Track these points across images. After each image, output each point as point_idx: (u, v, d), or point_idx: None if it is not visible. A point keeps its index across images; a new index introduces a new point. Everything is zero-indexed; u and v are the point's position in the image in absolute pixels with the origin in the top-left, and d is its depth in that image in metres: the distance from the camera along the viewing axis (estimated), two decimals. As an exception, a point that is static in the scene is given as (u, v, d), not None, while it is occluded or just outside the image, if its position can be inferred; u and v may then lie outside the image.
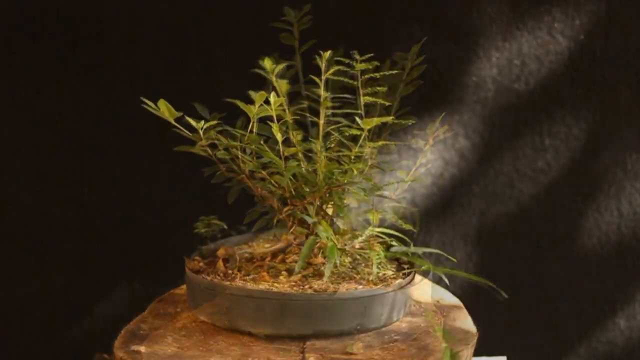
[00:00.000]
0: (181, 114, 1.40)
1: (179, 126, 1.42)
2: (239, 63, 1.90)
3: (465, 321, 1.43)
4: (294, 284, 1.38)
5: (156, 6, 1.87)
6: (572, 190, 1.94)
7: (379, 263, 1.42)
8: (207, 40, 1.89)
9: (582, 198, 1.94)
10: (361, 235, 1.45)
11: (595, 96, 1.91)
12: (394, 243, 1.45)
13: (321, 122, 1.42)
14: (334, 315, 1.32)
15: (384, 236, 1.44)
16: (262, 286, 1.37)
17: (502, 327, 1.98)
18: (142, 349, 1.38)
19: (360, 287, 1.36)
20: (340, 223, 1.49)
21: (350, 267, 1.41)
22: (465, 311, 1.49)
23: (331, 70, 1.41)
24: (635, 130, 1.92)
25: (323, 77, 1.41)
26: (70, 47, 1.88)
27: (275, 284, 1.38)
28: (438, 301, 1.51)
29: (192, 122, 1.39)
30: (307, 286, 1.36)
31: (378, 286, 1.36)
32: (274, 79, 1.41)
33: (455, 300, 1.52)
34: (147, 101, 1.40)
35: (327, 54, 1.41)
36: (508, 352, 1.98)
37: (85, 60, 1.89)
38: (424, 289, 1.52)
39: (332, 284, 1.37)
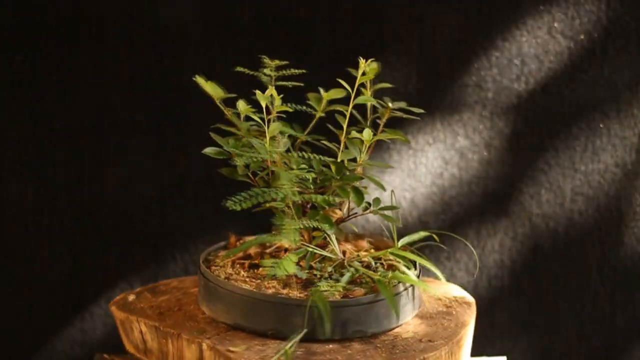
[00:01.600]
0: (234, 95, 1.42)
1: (223, 106, 1.43)
2: (238, 63, 1.90)
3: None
4: (254, 278, 1.42)
5: (156, 6, 1.87)
6: (573, 190, 1.94)
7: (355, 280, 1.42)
8: (207, 40, 1.89)
9: (582, 198, 1.94)
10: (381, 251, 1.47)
11: (595, 96, 1.91)
12: (402, 265, 1.44)
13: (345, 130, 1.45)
14: (250, 313, 1.37)
15: (399, 259, 1.43)
16: (227, 271, 1.44)
17: (502, 327, 1.98)
18: (131, 297, 1.49)
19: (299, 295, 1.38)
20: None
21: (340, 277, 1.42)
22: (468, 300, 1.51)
23: (363, 78, 1.42)
24: (635, 131, 1.92)
25: (356, 84, 1.43)
26: (70, 47, 1.88)
27: (241, 273, 1.43)
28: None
29: (242, 104, 1.42)
30: (258, 281, 1.41)
31: (300, 296, 1.37)
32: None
33: (462, 294, 1.53)
34: (199, 78, 1.41)
35: (368, 63, 1.43)
36: (508, 352, 1.98)
37: (85, 60, 1.89)
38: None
39: (295, 289, 1.39)
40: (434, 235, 1.52)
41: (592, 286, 1.97)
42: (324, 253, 1.42)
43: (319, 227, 1.38)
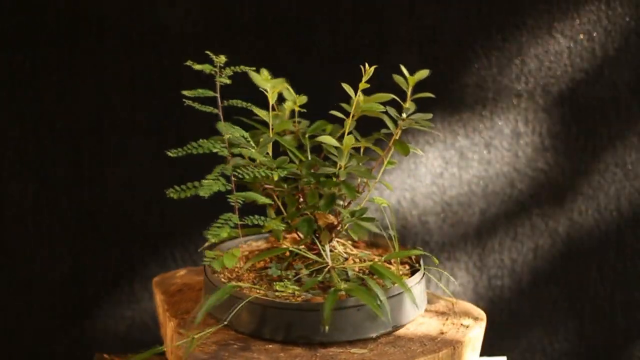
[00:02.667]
0: (286, 85, 1.40)
1: (275, 102, 1.40)
2: (239, 63, 1.90)
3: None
4: (238, 273, 1.48)
5: (156, 6, 1.87)
6: (572, 190, 1.94)
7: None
8: (207, 40, 1.89)
9: (582, 198, 1.94)
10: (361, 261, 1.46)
11: (595, 96, 1.91)
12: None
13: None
14: (217, 301, 1.42)
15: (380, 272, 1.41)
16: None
17: (502, 327, 1.98)
18: (180, 273, 1.60)
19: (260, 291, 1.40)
20: (354, 235, 1.48)
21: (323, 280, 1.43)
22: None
23: (364, 85, 1.41)
24: (635, 130, 1.92)
25: (359, 89, 1.43)
26: (70, 47, 1.88)
27: (240, 264, 1.50)
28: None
29: (290, 101, 1.40)
30: (243, 273, 1.46)
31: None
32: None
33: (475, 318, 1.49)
34: (247, 69, 1.39)
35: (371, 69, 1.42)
36: (508, 352, 1.98)
37: (85, 60, 1.89)
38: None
39: (263, 286, 1.42)
40: (435, 259, 1.50)
41: (592, 286, 1.97)
42: (310, 256, 1.43)
43: (275, 227, 1.38)
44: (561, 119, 1.92)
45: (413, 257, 1.50)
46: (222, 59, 1.42)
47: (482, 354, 1.96)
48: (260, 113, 1.46)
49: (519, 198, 1.95)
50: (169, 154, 1.37)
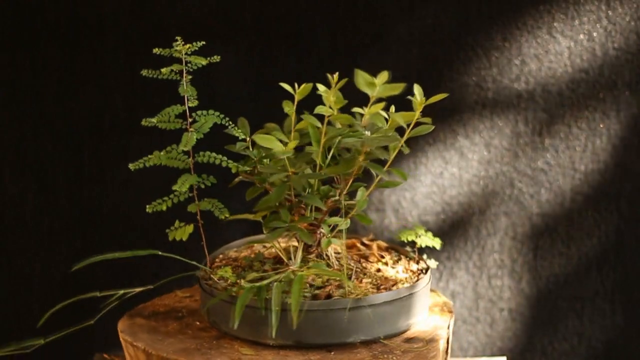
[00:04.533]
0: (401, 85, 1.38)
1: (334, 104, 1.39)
2: (239, 63, 1.90)
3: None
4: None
5: (156, 6, 1.87)
6: (573, 190, 1.94)
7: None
8: (208, 40, 1.89)
9: (582, 198, 1.94)
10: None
11: (595, 96, 1.91)
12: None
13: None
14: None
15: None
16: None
17: (502, 327, 1.98)
18: (232, 253, 1.61)
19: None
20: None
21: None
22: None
23: (339, 84, 1.39)
24: (635, 130, 1.92)
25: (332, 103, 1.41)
26: (70, 47, 1.88)
27: (242, 254, 1.58)
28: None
29: (374, 109, 1.40)
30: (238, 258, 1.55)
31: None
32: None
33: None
34: (360, 72, 1.36)
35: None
36: (508, 352, 1.98)
37: (85, 60, 1.89)
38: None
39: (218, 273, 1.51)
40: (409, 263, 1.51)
41: (592, 286, 1.97)
42: (282, 255, 1.45)
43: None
44: (561, 118, 1.92)
45: (420, 260, 1.52)
46: (187, 47, 1.45)
47: (482, 354, 1.96)
48: (287, 109, 1.45)
49: (519, 198, 1.95)
50: (143, 122, 1.48)
